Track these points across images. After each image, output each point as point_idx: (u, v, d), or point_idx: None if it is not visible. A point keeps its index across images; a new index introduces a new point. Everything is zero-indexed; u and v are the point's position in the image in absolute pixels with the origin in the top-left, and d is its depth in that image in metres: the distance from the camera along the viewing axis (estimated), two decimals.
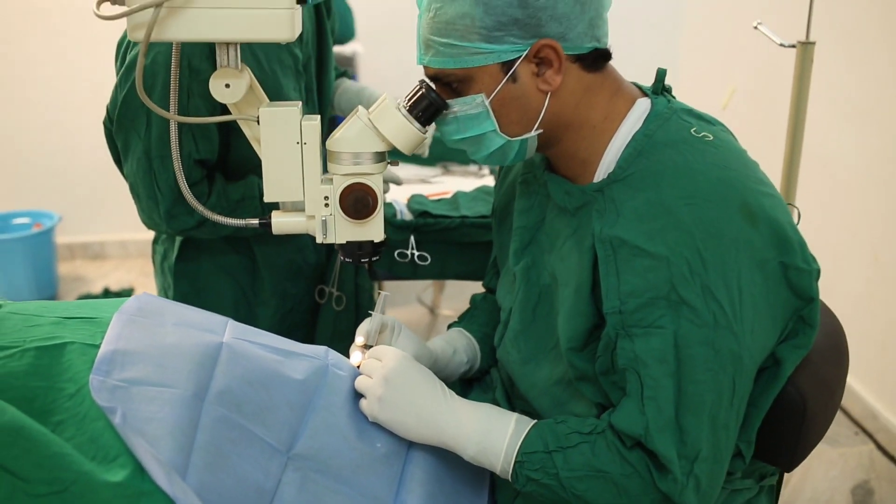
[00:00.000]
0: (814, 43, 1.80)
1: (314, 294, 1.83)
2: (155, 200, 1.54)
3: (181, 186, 1.23)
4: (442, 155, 2.34)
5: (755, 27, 1.90)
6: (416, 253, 1.79)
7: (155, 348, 1.09)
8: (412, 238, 1.79)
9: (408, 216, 1.85)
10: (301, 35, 1.71)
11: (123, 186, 1.62)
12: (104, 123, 1.58)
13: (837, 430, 2.81)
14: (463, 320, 1.52)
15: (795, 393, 1.11)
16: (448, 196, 1.99)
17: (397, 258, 1.79)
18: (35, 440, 0.93)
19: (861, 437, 2.79)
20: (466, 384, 1.48)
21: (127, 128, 1.50)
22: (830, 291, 3.11)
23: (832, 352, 1.21)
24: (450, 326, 1.52)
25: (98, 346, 1.06)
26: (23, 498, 0.91)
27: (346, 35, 3.01)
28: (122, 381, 1.03)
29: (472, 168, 2.39)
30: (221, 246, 1.69)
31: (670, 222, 1.04)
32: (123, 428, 0.97)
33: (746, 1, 3.39)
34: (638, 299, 1.04)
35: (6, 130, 3.99)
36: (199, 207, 1.24)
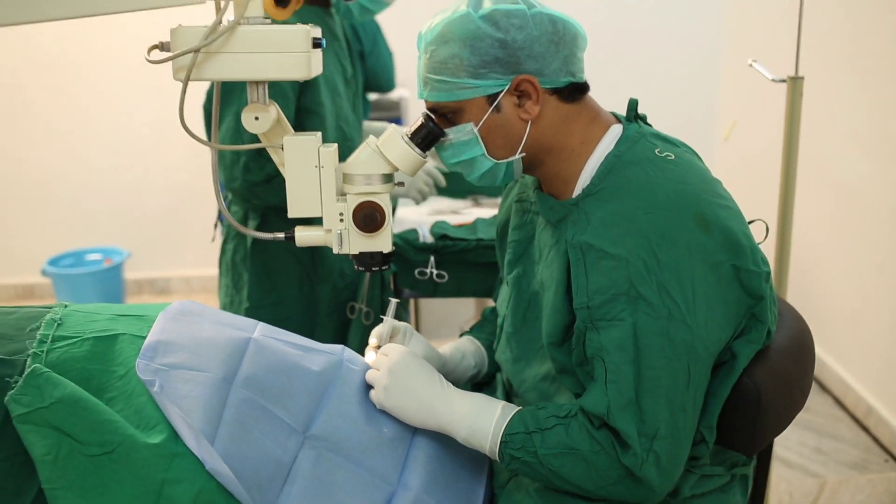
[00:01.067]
0: (802, 77, 1.95)
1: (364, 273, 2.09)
2: (237, 154, 1.87)
3: (220, 205, 1.42)
4: (473, 188, 2.56)
5: (749, 65, 2.05)
6: (435, 271, 1.96)
7: (192, 340, 1.28)
8: (432, 258, 1.97)
9: (429, 239, 2.03)
10: (349, 53, 2.15)
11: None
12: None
13: (867, 457, 2.87)
14: (473, 329, 1.69)
15: (752, 385, 1.24)
16: (470, 223, 2.16)
17: (418, 276, 1.97)
18: (90, 409, 1.13)
19: (891, 464, 2.84)
20: (476, 388, 1.64)
21: (226, 102, 1.86)
22: (835, 301, 3.19)
23: (794, 350, 1.34)
24: (461, 335, 1.69)
25: (145, 337, 1.26)
26: (79, 458, 1.11)
27: (389, 85, 3.25)
28: (164, 365, 1.22)
29: (500, 200, 2.57)
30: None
31: (630, 228, 1.19)
32: (160, 396, 1.16)
33: (750, 41, 3.54)
34: (602, 296, 1.19)
35: (81, 172, 4.28)
36: (235, 223, 1.43)
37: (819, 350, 3.35)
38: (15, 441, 1.11)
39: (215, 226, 2.45)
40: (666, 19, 4.21)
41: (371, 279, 2.06)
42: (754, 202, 2.72)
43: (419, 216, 2.36)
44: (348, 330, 2.10)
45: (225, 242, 2.21)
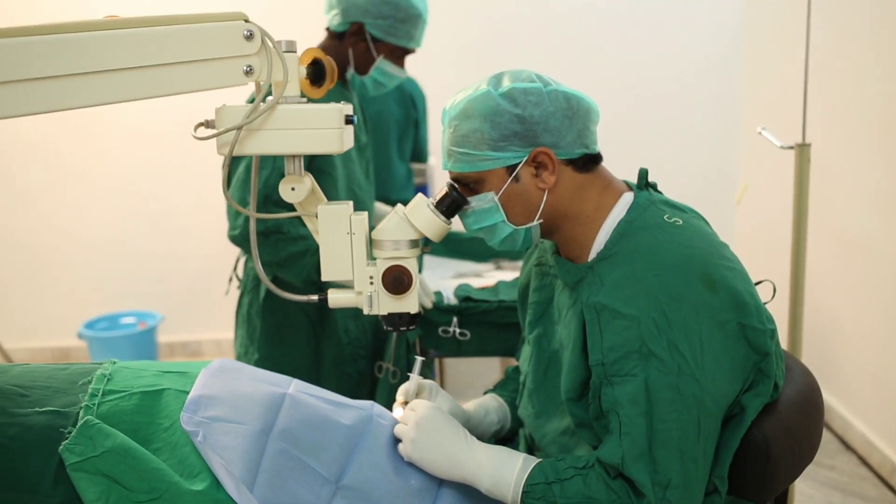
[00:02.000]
0: (809, 144, 2.04)
1: (367, 333, 2.25)
2: (243, 204, 2.01)
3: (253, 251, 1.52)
4: (495, 253, 2.70)
5: (759, 132, 2.15)
6: (458, 330, 2.04)
7: (232, 395, 1.37)
8: (455, 319, 2.05)
9: (453, 301, 2.12)
10: (361, 125, 2.31)
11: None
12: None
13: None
14: (496, 387, 1.76)
15: (760, 436, 1.31)
16: (492, 286, 2.25)
17: (441, 335, 2.05)
18: (138, 458, 1.22)
19: None
20: (499, 443, 1.70)
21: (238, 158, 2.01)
22: (856, 360, 3.21)
23: (802, 403, 1.40)
24: (485, 392, 1.76)
25: (188, 392, 1.35)
26: None
27: (423, 157, 3.47)
28: (206, 417, 1.31)
29: (521, 263, 2.66)
30: (299, 289, 2.08)
31: (641, 290, 1.28)
32: (203, 446, 1.24)
33: (764, 108, 3.64)
34: (616, 353, 1.27)
35: (116, 238, 4.42)
36: (273, 287, 1.52)
37: (842, 409, 3.37)
38: (69, 488, 1.20)
39: (230, 280, 2.57)
40: (684, 89, 4.33)
41: (397, 340, 2.15)
42: (769, 263, 2.79)
43: (444, 280, 2.47)
44: (374, 388, 2.20)
45: (241, 296, 2.36)
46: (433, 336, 2.07)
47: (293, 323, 2.27)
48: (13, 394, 1.29)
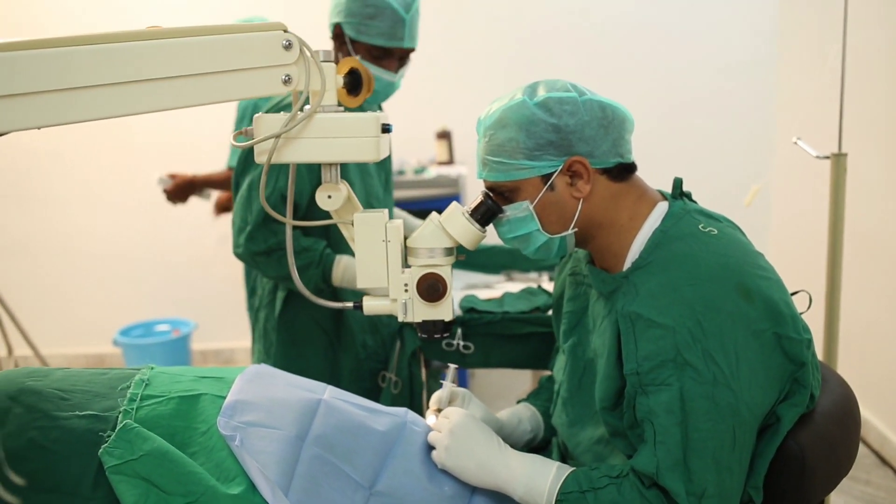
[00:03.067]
0: (846, 154, 2.02)
1: (386, 348, 2.23)
2: (245, 221, 2.02)
3: (293, 274, 1.52)
4: (507, 264, 2.67)
5: (794, 142, 2.14)
6: (462, 343, 2.03)
7: (268, 400, 1.38)
8: (459, 330, 2.04)
9: (458, 312, 2.11)
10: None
11: None
12: (234, 174, 2.12)
13: None
14: (530, 397, 1.76)
15: (796, 447, 1.30)
16: (498, 297, 2.25)
17: (445, 347, 2.04)
18: (176, 462, 1.23)
19: None
20: (532, 452, 1.70)
21: (246, 171, 2.04)
22: (894, 375, 3.17)
23: (838, 414, 1.38)
24: (518, 402, 1.76)
25: (224, 397, 1.37)
26: None
27: None
28: (242, 423, 1.32)
29: (533, 275, 2.67)
30: (315, 305, 2.05)
31: (676, 299, 1.27)
32: (240, 450, 1.26)
33: (800, 118, 3.62)
34: (651, 362, 1.27)
35: (151, 246, 4.48)
36: (306, 293, 1.53)
37: (879, 423, 3.33)
38: (108, 490, 1.22)
39: (248, 294, 2.51)
40: (718, 97, 4.32)
41: (400, 351, 2.16)
42: (804, 273, 2.77)
43: (454, 291, 2.44)
44: (378, 398, 2.19)
45: (258, 311, 2.33)
46: (437, 348, 2.07)
47: (309, 338, 2.24)
48: (54, 397, 1.32)
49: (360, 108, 2.39)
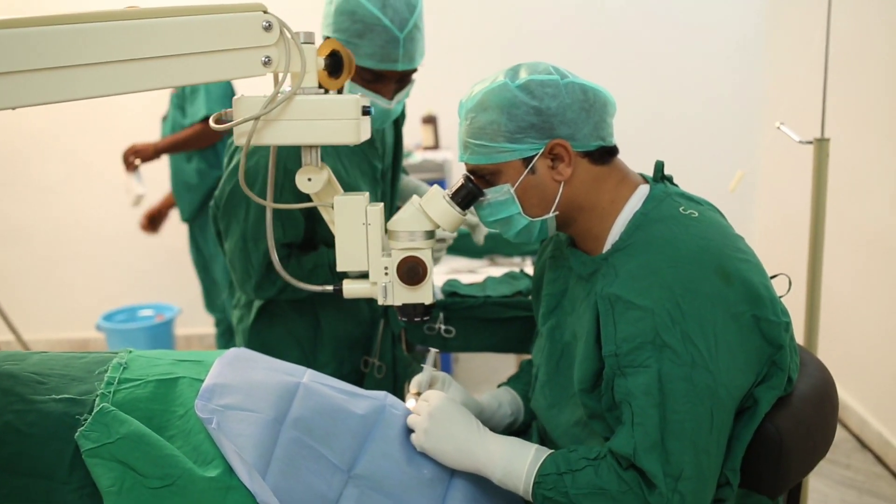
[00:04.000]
0: (828, 139, 2.02)
1: (378, 328, 2.15)
2: (248, 274, 1.90)
3: (274, 261, 1.51)
4: (490, 248, 2.66)
5: (777, 127, 2.14)
6: (443, 327, 2.03)
7: (246, 383, 1.38)
8: (441, 314, 2.04)
9: (439, 296, 2.10)
10: (383, 150, 2.09)
11: None
12: (211, 208, 1.98)
13: None
14: (510, 380, 1.76)
15: (774, 429, 1.30)
16: (480, 281, 2.24)
17: (427, 332, 2.03)
18: (152, 445, 1.23)
19: None
20: (513, 435, 1.70)
21: (230, 214, 1.88)
22: (875, 360, 3.20)
23: (816, 398, 1.39)
24: (499, 386, 1.76)
25: (202, 381, 1.36)
26: (142, 489, 1.20)
27: None
28: (220, 405, 1.32)
29: (516, 260, 2.66)
30: (292, 316, 2.03)
31: (656, 281, 1.27)
32: (217, 433, 1.25)
33: (785, 103, 3.63)
34: (630, 344, 1.27)
35: (135, 233, 4.44)
36: (288, 278, 1.52)
37: (859, 407, 3.36)
38: (84, 473, 1.21)
39: (229, 284, 2.43)
40: (703, 83, 4.32)
41: (383, 335, 2.14)
42: (788, 257, 2.78)
43: (437, 275, 2.43)
44: (361, 383, 2.15)
45: (234, 307, 2.21)
46: (418, 331, 2.06)
47: (282, 350, 2.04)
48: (31, 381, 1.31)
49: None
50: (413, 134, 4.26)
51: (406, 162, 3.90)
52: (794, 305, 1.49)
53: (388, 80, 1.82)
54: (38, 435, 1.24)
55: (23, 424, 1.24)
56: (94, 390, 1.31)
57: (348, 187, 1.85)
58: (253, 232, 1.84)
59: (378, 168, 2.04)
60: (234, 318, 2.22)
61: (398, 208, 1.54)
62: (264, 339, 2.09)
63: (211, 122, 1.34)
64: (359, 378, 2.16)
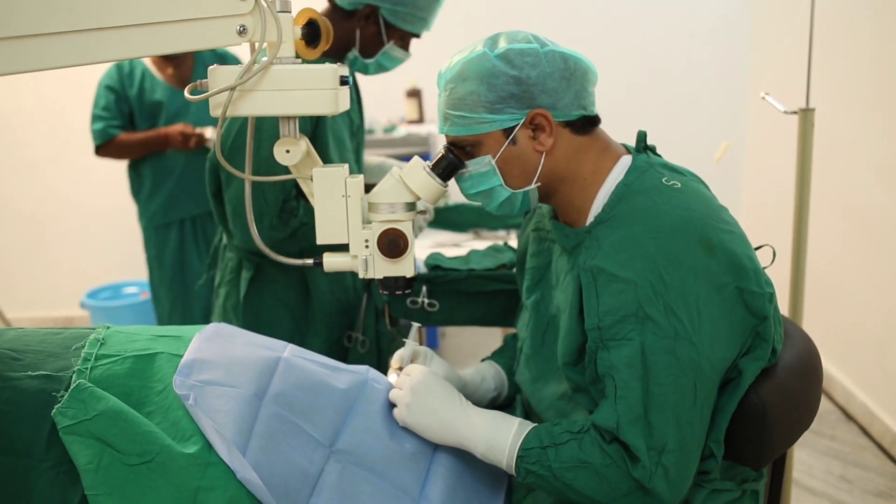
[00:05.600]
0: (813, 109, 2.01)
1: (361, 303, 2.15)
2: (262, 213, 1.90)
3: (253, 234, 1.49)
4: (475, 222, 2.64)
5: (762, 97, 2.12)
6: (427, 300, 2.02)
7: (226, 359, 1.36)
8: (424, 288, 2.02)
9: (423, 269, 2.09)
10: (356, 107, 2.20)
11: None
12: (209, 159, 2.00)
13: (893, 486, 2.88)
14: (494, 354, 1.75)
15: (757, 401, 1.30)
16: (464, 255, 2.23)
17: (409, 305, 2.02)
18: (130, 422, 1.21)
19: None
20: (497, 409, 1.70)
21: (235, 157, 1.88)
22: (860, 331, 3.21)
23: (800, 368, 1.38)
24: (483, 360, 1.75)
25: (181, 356, 1.34)
26: (120, 466, 1.18)
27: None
28: (199, 381, 1.30)
29: (501, 233, 2.65)
30: (282, 284, 2.01)
31: (638, 252, 1.26)
32: (194, 409, 1.24)
33: (770, 74, 3.62)
34: (612, 317, 1.26)
35: (120, 209, 4.42)
36: (271, 254, 1.49)
37: (845, 379, 3.37)
38: (61, 451, 1.19)
39: (208, 268, 2.42)
40: (689, 53, 4.30)
41: (366, 310, 2.13)
42: (774, 229, 2.78)
43: (419, 249, 2.42)
44: (345, 358, 2.15)
45: (218, 287, 2.21)
46: (401, 304, 2.04)
47: (274, 319, 2.12)
48: (6, 357, 1.29)
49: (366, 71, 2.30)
50: (397, 107, 4.23)
51: (390, 136, 3.88)
52: (779, 277, 1.48)
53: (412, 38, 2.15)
54: (13, 412, 1.22)
55: None
56: (71, 366, 1.29)
57: (337, 138, 2.02)
58: (266, 167, 1.76)
59: (356, 122, 2.15)
60: (220, 296, 2.20)
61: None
62: (256, 310, 2.10)
63: (186, 93, 1.32)
64: (343, 352, 2.16)
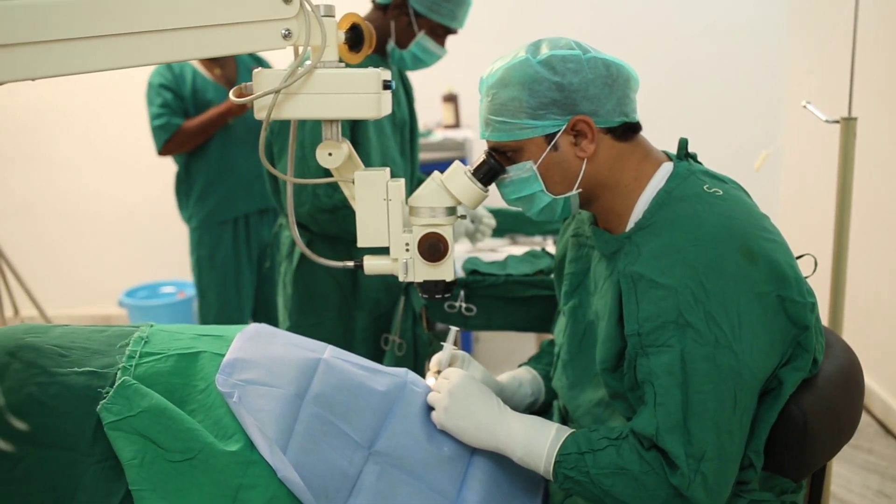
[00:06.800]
0: (856, 119, 1.99)
1: (398, 306, 2.23)
2: (303, 177, 2.00)
3: (294, 236, 1.51)
4: (511, 227, 2.65)
5: (804, 106, 2.11)
6: (464, 305, 2.02)
7: (267, 359, 1.38)
8: (462, 292, 2.03)
9: (461, 274, 2.10)
10: (407, 99, 2.34)
11: None
12: (267, 136, 2.06)
13: None
14: (531, 360, 1.76)
15: (798, 411, 1.29)
16: (501, 260, 2.24)
17: (447, 309, 2.03)
18: (174, 419, 1.23)
19: None
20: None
21: (286, 133, 2.01)
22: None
23: (842, 380, 1.37)
24: (520, 366, 1.75)
25: (223, 355, 1.36)
26: (163, 463, 1.20)
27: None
28: (241, 380, 1.32)
29: (537, 239, 2.65)
30: (331, 257, 2.07)
31: (678, 259, 1.26)
32: (238, 407, 1.26)
33: (811, 83, 3.58)
34: (652, 323, 1.25)
35: (158, 210, 4.47)
36: (312, 255, 1.51)
37: (883, 392, 3.32)
38: (106, 446, 1.22)
39: (270, 253, 2.58)
40: (728, 60, 4.27)
41: (404, 313, 2.17)
42: (813, 239, 2.75)
43: (456, 253, 2.44)
44: (381, 360, 2.20)
45: (279, 265, 2.39)
46: (439, 308, 2.06)
47: (325, 293, 2.28)
48: (53, 353, 1.31)
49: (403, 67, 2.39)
50: (433, 112, 4.24)
51: (426, 140, 3.89)
52: (819, 287, 1.47)
53: (447, 34, 2.29)
54: (60, 407, 1.24)
55: (46, 397, 1.24)
56: (116, 364, 1.31)
57: (377, 125, 2.19)
58: (311, 138, 1.92)
59: (398, 115, 2.30)
60: (280, 273, 2.37)
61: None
62: (307, 281, 2.26)
63: (231, 96, 1.34)
64: (380, 354, 2.19)
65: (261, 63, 3.32)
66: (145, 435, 1.21)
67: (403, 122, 2.37)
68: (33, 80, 1.12)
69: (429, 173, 2.50)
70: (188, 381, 1.32)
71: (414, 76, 2.52)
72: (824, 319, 2.10)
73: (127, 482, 1.20)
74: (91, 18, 1.13)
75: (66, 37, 1.12)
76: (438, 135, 4.02)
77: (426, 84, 4.03)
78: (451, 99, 4.21)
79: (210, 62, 3.29)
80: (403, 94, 2.40)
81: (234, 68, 3.34)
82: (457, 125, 4.22)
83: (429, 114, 4.22)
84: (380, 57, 2.27)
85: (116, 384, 1.26)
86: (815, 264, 1.46)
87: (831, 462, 2.07)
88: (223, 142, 3.27)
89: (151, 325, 1.44)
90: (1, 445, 1.20)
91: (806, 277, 1.34)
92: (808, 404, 1.29)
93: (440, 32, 2.27)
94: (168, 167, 3.48)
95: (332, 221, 2.12)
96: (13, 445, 1.20)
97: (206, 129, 3.21)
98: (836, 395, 1.35)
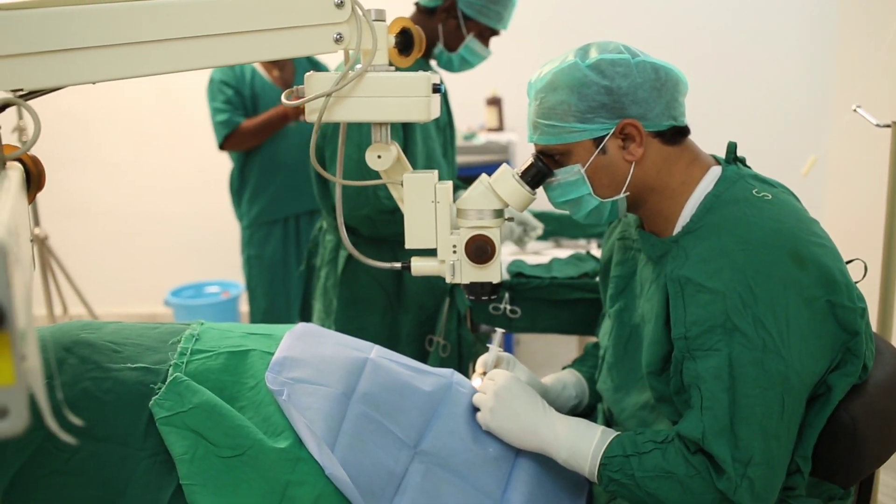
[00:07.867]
0: None
1: (443, 308, 2.24)
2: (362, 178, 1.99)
3: (342, 236, 1.53)
4: (556, 231, 2.65)
5: (854, 110, 2.09)
6: (509, 307, 2.03)
7: (316, 358, 1.40)
8: (507, 295, 2.04)
9: (505, 276, 2.11)
10: (443, 102, 2.35)
11: None
12: (317, 142, 2.07)
13: None
14: (575, 363, 1.76)
15: (848, 418, 1.28)
16: (546, 263, 2.24)
17: (492, 311, 2.04)
18: (224, 415, 1.25)
19: None
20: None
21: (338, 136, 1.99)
22: None
23: (892, 386, 1.36)
24: (564, 368, 1.76)
25: (273, 354, 1.39)
26: (213, 458, 1.23)
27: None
28: (290, 378, 1.34)
29: (581, 242, 2.65)
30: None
31: (727, 263, 1.25)
32: (287, 405, 1.28)
33: (861, 86, 3.53)
34: (700, 327, 1.25)
35: (203, 211, 4.54)
36: (357, 255, 1.53)
37: None
38: (158, 441, 1.24)
39: (308, 257, 2.58)
40: (775, 63, 4.23)
41: (448, 315, 2.18)
42: (861, 244, 2.71)
43: (502, 256, 2.44)
44: (426, 362, 2.22)
45: (319, 269, 2.40)
46: (484, 310, 2.07)
47: (369, 297, 2.29)
48: (107, 349, 1.34)
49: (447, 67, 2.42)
50: (477, 115, 4.25)
51: (470, 143, 3.90)
52: (869, 292, 1.45)
53: (492, 36, 2.34)
54: (114, 402, 1.27)
55: (100, 391, 1.27)
56: (168, 360, 1.34)
57: (423, 127, 2.22)
58: (368, 140, 1.89)
59: (443, 119, 2.34)
60: (321, 277, 2.36)
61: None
62: (352, 286, 2.27)
63: (283, 99, 1.36)
64: (424, 355, 2.20)
65: (317, 67, 3.35)
66: (196, 431, 1.24)
67: (445, 124, 2.39)
68: (94, 83, 1.15)
69: (464, 178, 2.54)
70: (238, 378, 1.35)
71: (457, 79, 2.54)
72: (874, 325, 2.07)
73: (177, 476, 1.22)
74: (151, 23, 1.16)
75: (127, 41, 1.14)
76: (482, 138, 4.03)
77: (470, 87, 4.05)
78: (494, 102, 4.21)
79: (269, 64, 3.33)
80: (443, 96, 2.43)
81: (292, 71, 3.37)
82: (500, 128, 4.23)
83: (472, 116, 4.23)
84: (423, 59, 2.29)
85: (168, 380, 1.28)
86: (865, 269, 1.45)
87: (878, 470, 2.04)
88: (275, 142, 3.31)
89: (202, 323, 1.46)
90: (60, 437, 1.23)
91: (856, 283, 1.33)
92: (857, 410, 1.28)
93: (486, 34, 2.31)
94: (213, 168, 3.53)
95: (390, 223, 2.13)
96: (69, 438, 1.23)
97: (264, 131, 3.25)
98: (886, 402, 1.33)
